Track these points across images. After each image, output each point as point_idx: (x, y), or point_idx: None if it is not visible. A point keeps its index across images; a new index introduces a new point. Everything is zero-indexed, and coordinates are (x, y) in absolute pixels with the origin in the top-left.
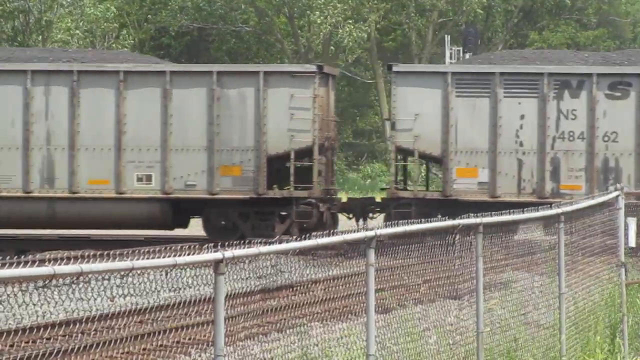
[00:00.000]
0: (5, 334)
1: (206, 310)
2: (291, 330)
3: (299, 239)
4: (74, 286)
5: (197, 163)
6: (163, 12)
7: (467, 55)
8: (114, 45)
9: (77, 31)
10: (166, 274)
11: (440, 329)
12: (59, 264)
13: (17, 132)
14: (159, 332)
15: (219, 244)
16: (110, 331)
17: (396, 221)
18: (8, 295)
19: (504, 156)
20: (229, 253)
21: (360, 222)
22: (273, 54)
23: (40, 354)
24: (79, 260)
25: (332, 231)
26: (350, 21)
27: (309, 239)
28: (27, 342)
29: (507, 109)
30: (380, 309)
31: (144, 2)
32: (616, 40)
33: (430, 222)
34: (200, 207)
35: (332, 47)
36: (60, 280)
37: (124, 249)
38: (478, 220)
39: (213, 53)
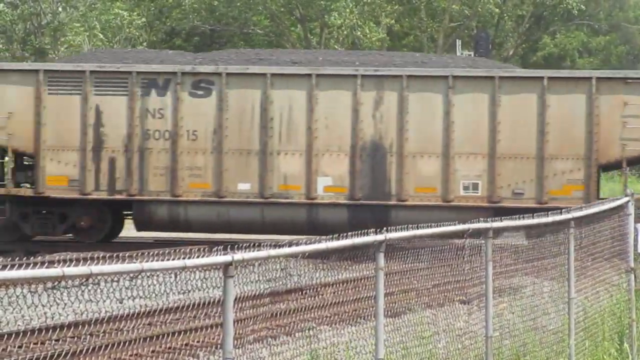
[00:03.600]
0: (14, 335)
1: (215, 312)
2: (300, 333)
3: (309, 242)
4: (83, 288)
5: None
6: (174, 12)
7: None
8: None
9: (99, 33)
10: (175, 277)
11: (450, 333)
12: (68, 266)
13: None
14: (168, 335)
15: (229, 246)
16: (119, 333)
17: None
18: (17, 296)
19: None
20: (239, 256)
21: None
22: None
23: (49, 355)
24: (89, 262)
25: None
26: (370, 22)
27: (319, 242)
28: (36, 344)
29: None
30: (389, 312)
31: (154, 3)
32: (627, 45)
33: (440, 226)
34: None
35: (339, 49)
36: (70, 281)
37: (134, 251)
38: (488, 224)
39: None
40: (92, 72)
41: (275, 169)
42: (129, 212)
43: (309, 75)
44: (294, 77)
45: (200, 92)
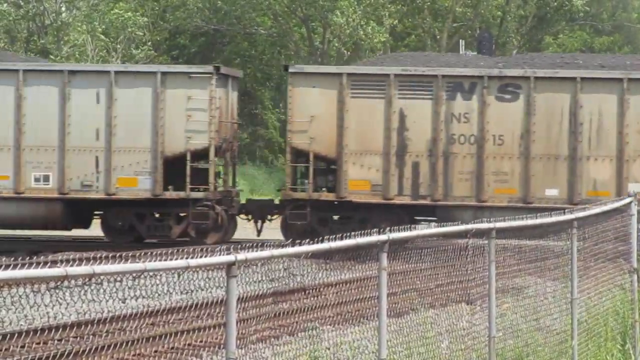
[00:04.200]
0: (16, 335)
1: (218, 312)
2: (303, 333)
3: (312, 242)
4: (85, 287)
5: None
6: (177, 13)
7: None
8: (133, 50)
9: (100, 34)
10: (178, 276)
11: (453, 333)
12: (71, 265)
13: None
14: (171, 335)
15: (231, 246)
16: (122, 333)
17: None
18: (20, 296)
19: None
20: (242, 256)
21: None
22: (287, 57)
23: (52, 355)
24: (91, 261)
25: (344, 235)
26: (372, 22)
27: (322, 242)
28: (39, 344)
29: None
30: (392, 312)
31: (157, 2)
32: (629, 45)
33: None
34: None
35: (344, 50)
36: (72, 281)
37: (136, 250)
38: (491, 225)
39: (228, 55)
40: (396, 75)
41: (584, 174)
42: (420, 218)
43: (620, 79)
44: (605, 81)
45: (507, 96)
